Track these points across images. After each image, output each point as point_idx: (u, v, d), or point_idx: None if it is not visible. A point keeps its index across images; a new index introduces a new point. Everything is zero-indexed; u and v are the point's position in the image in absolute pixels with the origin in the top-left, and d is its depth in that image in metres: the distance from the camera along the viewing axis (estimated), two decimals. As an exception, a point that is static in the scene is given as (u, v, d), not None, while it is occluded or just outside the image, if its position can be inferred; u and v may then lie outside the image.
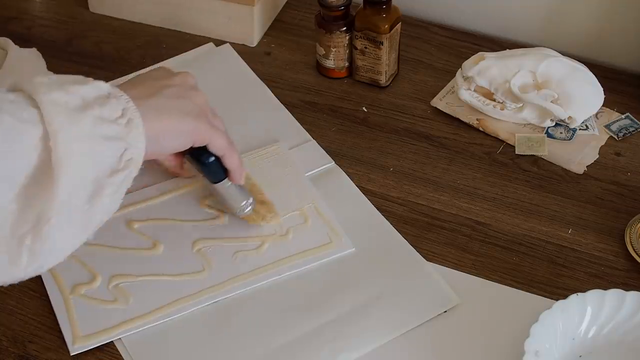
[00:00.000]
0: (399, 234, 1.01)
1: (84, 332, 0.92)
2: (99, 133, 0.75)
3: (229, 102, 1.17)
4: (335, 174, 1.08)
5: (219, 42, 1.26)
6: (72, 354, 0.90)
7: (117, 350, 0.92)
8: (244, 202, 0.98)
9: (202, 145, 0.90)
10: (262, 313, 0.94)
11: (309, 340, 0.92)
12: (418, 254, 0.99)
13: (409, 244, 1.00)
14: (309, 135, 1.13)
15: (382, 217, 1.03)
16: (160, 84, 0.87)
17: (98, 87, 0.79)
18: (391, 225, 1.02)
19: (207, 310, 0.94)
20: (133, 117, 0.79)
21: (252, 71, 1.21)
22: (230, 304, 0.95)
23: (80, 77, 0.79)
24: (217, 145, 0.91)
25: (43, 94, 0.74)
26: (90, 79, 0.80)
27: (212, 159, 0.93)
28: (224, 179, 0.96)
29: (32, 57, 1.08)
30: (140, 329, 0.92)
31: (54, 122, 0.73)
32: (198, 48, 1.25)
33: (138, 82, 0.87)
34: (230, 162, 0.94)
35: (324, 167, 1.09)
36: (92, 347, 0.91)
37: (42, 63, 1.09)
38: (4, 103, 0.74)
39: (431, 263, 0.99)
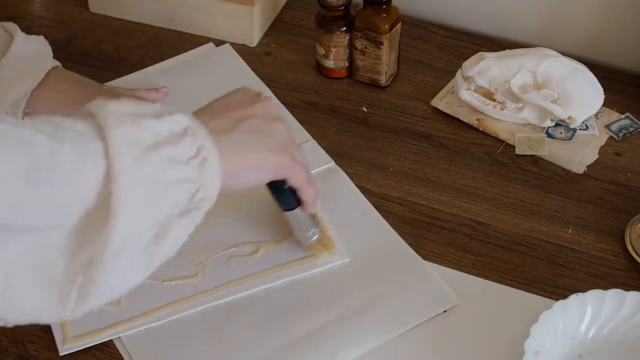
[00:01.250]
0: (397, 235, 1.01)
1: (73, 332, 0.91)
2: (167, 177, 0.71)
3: (229, 102, 1.17)
4: (335, 174, 1.08)
5: (219, 42, 1.26)
6: (61, 354, 0.90)
7: (116, 349, 0.92)
8: (312, 231, 0.96)
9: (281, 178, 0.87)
10: (261, 313, 0.94)
11: (308, 340, 0.92)
12: (417, 254, 0.99)
13: (407, 244, 1.00)
14: (309, 135, 1.13)
15: (381, 217, 1.03)
16: (240, 115, 0.82)
17: (174, 123, 0.73)
18: (390, 226, 1.02)
19: (206, 311, 0.94)
20: (209, 155, 0.73)
21: (252, 71, 1.21)
22: (230, 305, 0.95)
23: (157, 109, 0.74)
24: (297, 180, 0.87)
25: (113, 127, 0.69)
26: (169, 109, 0.74)
27: (287, 187, 0.89)
28: (295, 208, 0.93)
29: (38, 45, 1.06)
30: (132, 332, 0.92)
31: (118, 162, 0.68)
32: (198, 48, 1.25)
33: (218, 111, 0.82)
34: (305, 195, 0.90)
35: (324, 167, 1.09)
36: (81, 348, 0.91)
37: (48, 51, 1.07)
38: (68, 132, 0.68)
39: (431, 263, 0.99)
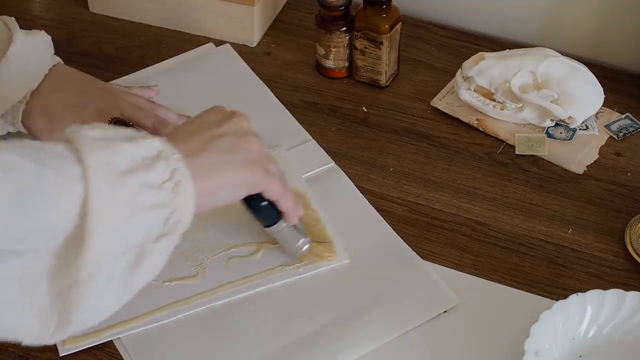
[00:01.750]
0: (397, 235, 1.01)
1: None
2: (141, 202, 0.71)
3: (229, 102, 1.16)
4: (335, 174, 1.08)
5: (219, 42, 1.26)
6: (61, 355, 0.90)
7: (116, 350, 0.92)
8: (300, 242, 0.95)
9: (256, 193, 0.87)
10: (261, 314, 0.94)
11: (308, 340, 0.92)
12: (416, 254, 0.99)
13: (407, 244, 1.00)
14: (309, 135, 1.13)
15: (381, 217, 1.03)
16: (211, 135, 0.83)
17: (148, 147, 0.74)
18: (390, 226, 1.02)
19: (206, 312, 0.94)
20: (181, 179, 0.74)
21: (252, 71, 1.21)
22: (230, 305, 0.95)
23: (131, 133, 0.75)
24: (272, 192, 0.87)
25: (89, 151, 0.70)
26: (143, 134, 0.75)
27: (265, 203, 0.89)
28: (277, 222, 0.93)
29: (37, 42, 1.05)
30: (131, 332, 0.92)
31: (94, 185, 0.69)
32: (198, 48, 1.25)
33: (189, 133, 0.83)
34: (284, 205, 0.90)
35: (324, 167, 1.09)
36: (81, 349, 0.91)
37: (48, 48, 1.06)
38: (49, 156, 0.69)
39: (431, 263, 0.99)
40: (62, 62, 1.07)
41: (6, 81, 1.01)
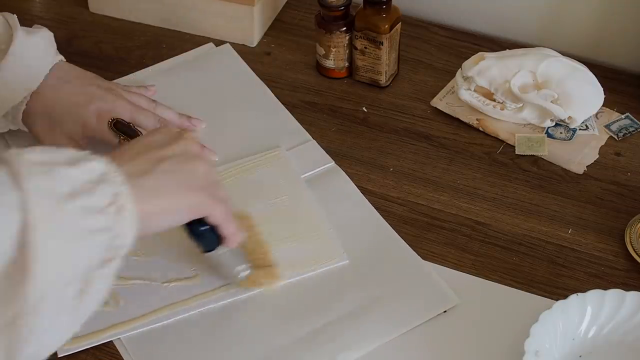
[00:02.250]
0: (397, 235, 1.01)
1: None
2: (83, 227, 0.69)
3: (229, 102, 1.17)
4: (335, 174, 1.08)
5: (219, 42, 1.26)
6: (60, 355, 0.90)
7: (116, 350, 0.92)
8: (238, 268, 0.93)
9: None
10: (261, 314, 0.94)
11: (308, 341, 0.92)
12: (416, 254, 0.99)
13: (407, 244, 1.00)
14: (309, 135, 1.13)
15: (381, 217, 1.03)
16: (159, 156, 0.81)
17: (90, 170, 0.72)
18: (390, 226, 1.02)
19: (206, 312, 0.94)
20: (124, 203, 0.73)
21: (252, 71, 1.21)
22: (229, 306, 0.95)
23: (73, 156, 0.73)
24: (216, 218, 0.86)
25: (28, 177, 0.67)
26: (85, 155, 0.73)
27: (206, 227, 0.87)
28: (216, 248, 0.90)
29: (39, 41, 1.05)
30: (130, 333, 0.92)
31: (33, 213, 0.66)
32: (198, 48, 1.25)
33: (137, 152, 0.81)
34: (226, 229, 0.88)
35: (324, 167, 1.09)
36: (80, 350, 0.91)
37: (49, 47, 1.05)
38: None
39: (431, 263, 0.99)
40: (64, 60, 1.07)
41: (6, 82, 1.01)
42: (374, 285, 0.96)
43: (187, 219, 0.84)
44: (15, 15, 1.05)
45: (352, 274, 0.97)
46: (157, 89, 1.14)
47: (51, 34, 1.07)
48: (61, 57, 1.06)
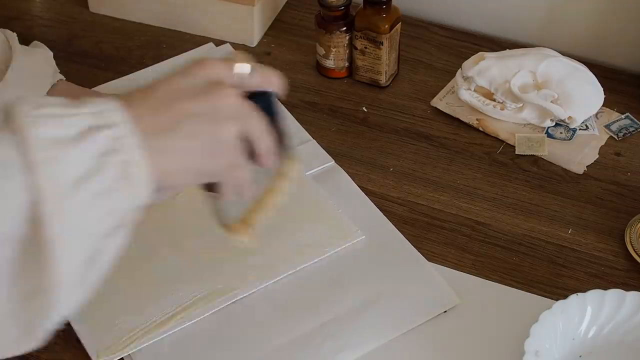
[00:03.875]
0: (400, 234, 1.01)
1: (105, 344, 0.91)
2: (95, 209, 0.68)
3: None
4: (336, 174, 1.08)
5: (219, 42, 1.26)
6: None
7: None
8: (229, 216, 0.87)
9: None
10: (261, 313, 0.94)
11: (308, 340, 0.92)
12: (419, 253, 0.99)
13: (410, 243, 1.00)
14: (309, 135, 1.13)
15: (383, 216, 1.03)
16: (184, 112, 0.73)
17: (102, 141, 0.68)
18: (392, 225, 1.02)
19: (206, 312, 0.94)
20: (136, 170, 0.69)
21: (252, 71, 1.21)
22: (229, 305, 0.95)
23: (87, 125, 0.68)
24: (224, 191, 0.80)
25: (36, 161, 0.65)
26: (98, 123, 0.69)
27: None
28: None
29: (37, 61, 1.04)
30: (143, 345, 0.92)
31: (43, 201, 0.65)
32: (198, 48, 1.25)
33: (162, 101, 0.73)
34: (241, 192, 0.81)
35: (324, 166, 1.09)
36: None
37: (47, 67, 1.05)
38: None
39: (431, 263, 0.99)
40: (63, 79, 1.06)
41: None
42: (375, 284, 0.96)
43: (199, 184, 0.79)
44: (15, 34, 1.05)
45: (352, 273, 0.97)
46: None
47: (50, 53, 1.06)
48: (60, 77, 1.06)
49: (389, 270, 0.98)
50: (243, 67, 0.78)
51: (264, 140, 0.79)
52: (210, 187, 0.83)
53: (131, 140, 0.69)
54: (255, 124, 0.78)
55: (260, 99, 0.80)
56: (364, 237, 1.00)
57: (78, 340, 0.92)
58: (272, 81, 0.80)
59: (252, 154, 0.81)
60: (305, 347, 0.91)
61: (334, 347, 0.91)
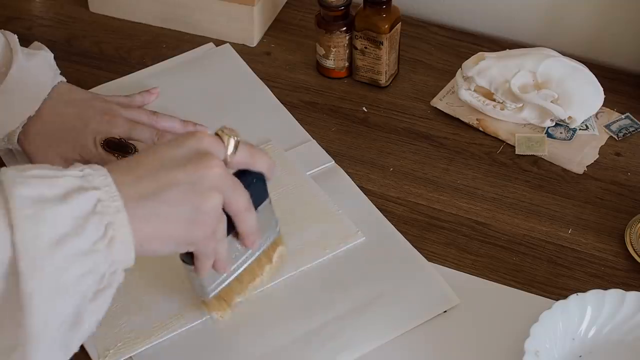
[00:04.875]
0: (399, 234, 1.01)
1: (106, 347, 0.91)
2: (73, 272, 0.68)
3: (229, 102, 1.17)
4: (335, 174, 1.08)
5: (219, 42, 1.26)
6: None
7: (117, 350, 0.92)
8: (208, 288, 0.88)
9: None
10: (261, 313, 0.94)
11: (308, 340, 0.92)
12: (419, 253, 0.99)
13: (409, 243, 1.00)
14: (309, 135, 1.13)
15: (383, 216, 1.03)
16: (168, 180, 0.73)
17: (83, 204, 0.69)
18: (392, 225, 1.02)
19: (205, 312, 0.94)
20: (117, 233, 0.69)
21: (252, 71, 1.21)
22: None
23: (69, 186, 0.69)
24: (201, 265, 0.81)
25: (17, 219, 0.65)
26: (81, 186, 0.69)
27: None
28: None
29: (38, 64, 1.03)
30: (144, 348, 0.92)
31: (22, 260, 0.65)
32: (198, 48, 1.25)
33: (148, 170, 0.74)
34: (217, 266, 0.83)
35: (324, 166, 1.09)
36: None
37: (48, 70, 1.05)
38: None
39: (431, 263, 0.99)
40: (65, 81, 1.06)
41: (5, 107, 1.00)
42: (375, 284, 0.96)
43: (179, 252, 0.80)
44: (15, 35, 1.05)
45: (352, 273, 0.97)
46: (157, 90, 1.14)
47: (51, 55, 1.06)
48: (61, 78, 1.05)
49: (389, 270, 0.98)
50: (232, 143, 0.79)
51: (245, 218, 0.80)
52: (189, 260, 0.83)
53: (114, 204, 0.70)
54: (239, 198, 0.79)
55: (247, 179, 0.80)
56: (364, 238, 1.00)
57: (78, 340, 0.92)
58: (262, 162, 0.82)
59: (237, 232, 0.82)
60: (305, 347, 0.91)
61: (334, 347, 0.91)
